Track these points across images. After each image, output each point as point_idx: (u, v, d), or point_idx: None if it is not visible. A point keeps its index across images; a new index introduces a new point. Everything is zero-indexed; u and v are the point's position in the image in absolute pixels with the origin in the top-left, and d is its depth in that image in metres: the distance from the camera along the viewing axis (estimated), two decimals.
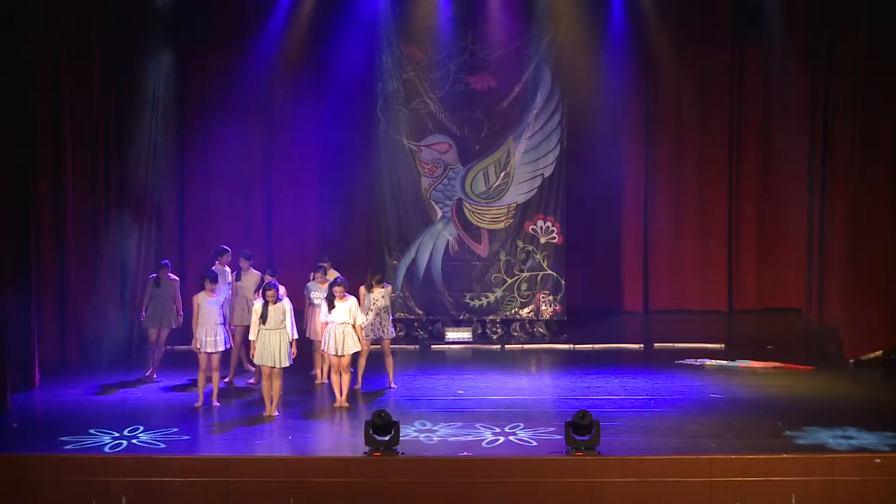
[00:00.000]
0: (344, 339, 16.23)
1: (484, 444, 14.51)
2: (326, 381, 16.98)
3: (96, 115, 19.26)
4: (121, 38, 19.69)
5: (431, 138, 20.14)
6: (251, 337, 15.93)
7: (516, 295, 20.26)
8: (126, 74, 19.79)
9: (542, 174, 20.15)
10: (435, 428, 15.10)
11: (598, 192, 21.45)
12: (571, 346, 19.83)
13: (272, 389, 15.82)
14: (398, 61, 19.98)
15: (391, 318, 17.26)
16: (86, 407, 16.32)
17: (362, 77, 20.40)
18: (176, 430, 15.08)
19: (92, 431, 14.93)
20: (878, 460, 13.63)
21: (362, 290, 17.05)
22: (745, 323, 21.61)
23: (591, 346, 19.81)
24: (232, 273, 17.70)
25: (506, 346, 19.96)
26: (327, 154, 21.49)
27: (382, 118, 20.08)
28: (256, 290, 17.01)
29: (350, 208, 21.37)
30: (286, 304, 15.87)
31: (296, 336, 15.91)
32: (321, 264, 17.32)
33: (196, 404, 16.23)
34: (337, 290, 16.25)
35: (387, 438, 13.88)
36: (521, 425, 15.14)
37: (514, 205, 20.21)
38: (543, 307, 20.25)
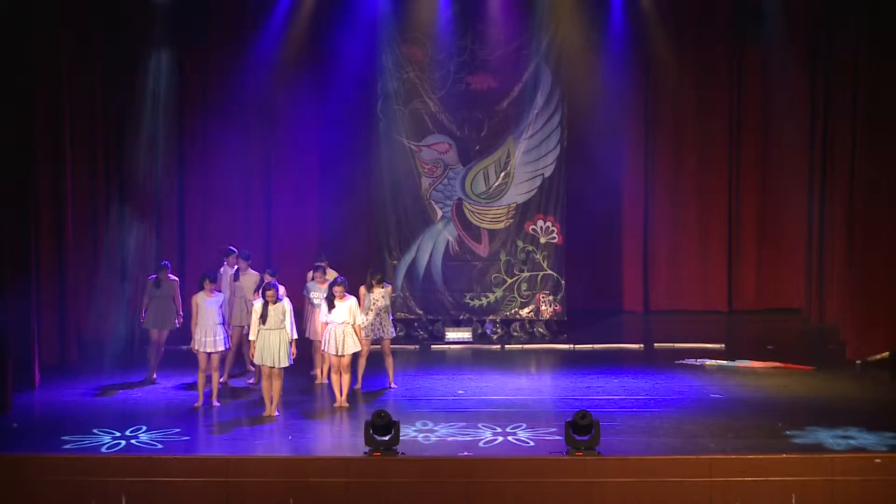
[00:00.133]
0: (344, 339, 16.22)
1: (484, 444, 14.50)
2: (326, 381, 16.97)
3: (96, 115, 19.28)
4: (121, 38, 19.72)
5: (431, 138, 20.13)
6: (251, 337, 15.92)
7: (516, 295, 20.25)
8: (126, 74, 19.82)
9: (542, 174, 20.14)
10: (435, 428, 15.08)
11: (598, 192, 21.44)
12: (571, 346, 19.82)
13: (272, 389, 15.80)
14: (398, 61, 19.97)
15: (391, 318, 17.25)
16: (86, 407, 16.30)
17: (362, 77, 20.40)
18: (176, 430, 15.06)
19: (92, 431, 14.91)
20: (878, 460, 13.63)
21: (362, 290, 17.03)
22: (745, 323, 21.60)
23: (591, 346, 19.81)
24: (231, 273, 17.70)
25: (506, 346, 19.97)
26: (327, 154, 21.46)
27: (382, 118, 20.07)
28: (255, 290, 17.00)
29: (350, 208, 21.32)
30: (286, 304, 15.85)
31: (296, 336, 15.89)
32: (318, 264, 17.29)
33: (196, 404, 16.23)
34: (337, 289, 16.25)
35: (387, 438, 13.87)
36: (522, 425, 15.12)
37: (514, 205, 20.20)
38: (543, 307, 20.24)
